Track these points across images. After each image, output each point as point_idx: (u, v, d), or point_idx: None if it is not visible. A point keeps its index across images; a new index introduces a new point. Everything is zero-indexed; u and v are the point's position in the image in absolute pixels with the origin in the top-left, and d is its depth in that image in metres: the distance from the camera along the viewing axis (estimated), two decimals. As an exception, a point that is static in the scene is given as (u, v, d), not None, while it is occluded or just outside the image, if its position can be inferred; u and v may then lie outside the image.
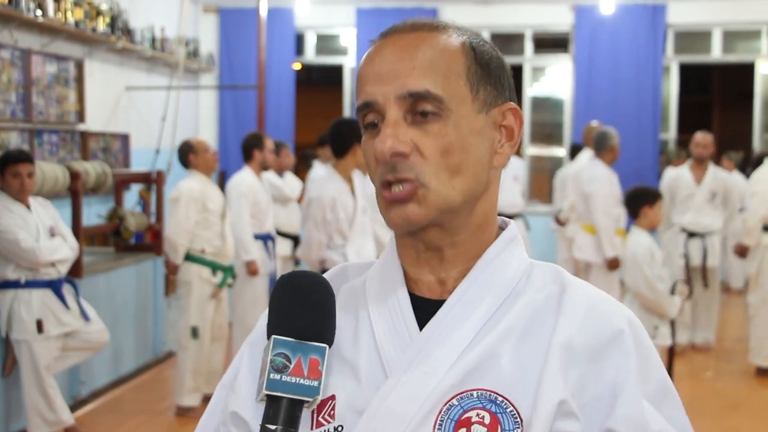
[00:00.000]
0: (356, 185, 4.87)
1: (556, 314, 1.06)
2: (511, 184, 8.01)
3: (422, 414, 1.02)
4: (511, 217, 8.41)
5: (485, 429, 1.00)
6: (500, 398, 1.01)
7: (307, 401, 0.99)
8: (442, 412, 1.02)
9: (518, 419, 1.00)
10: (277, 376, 0.98)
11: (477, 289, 1.09)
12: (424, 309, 1.09)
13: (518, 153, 9.30)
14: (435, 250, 1.10)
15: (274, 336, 1.01)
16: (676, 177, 7.27)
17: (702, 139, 7.07)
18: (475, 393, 1.02)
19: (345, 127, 4.79)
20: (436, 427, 1.01)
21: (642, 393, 1.02)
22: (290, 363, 0.99)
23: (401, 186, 1.05)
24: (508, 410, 1.01)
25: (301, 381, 0.99)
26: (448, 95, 1.05)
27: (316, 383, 0.99)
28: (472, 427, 1.01)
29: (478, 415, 1.01)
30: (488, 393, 1.02)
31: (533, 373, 1.02)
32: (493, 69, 1.10)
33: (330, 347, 1.03)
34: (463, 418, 1.01)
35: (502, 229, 1.16)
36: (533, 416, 1.00)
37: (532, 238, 8.63)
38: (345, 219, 4.75)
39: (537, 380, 1.01)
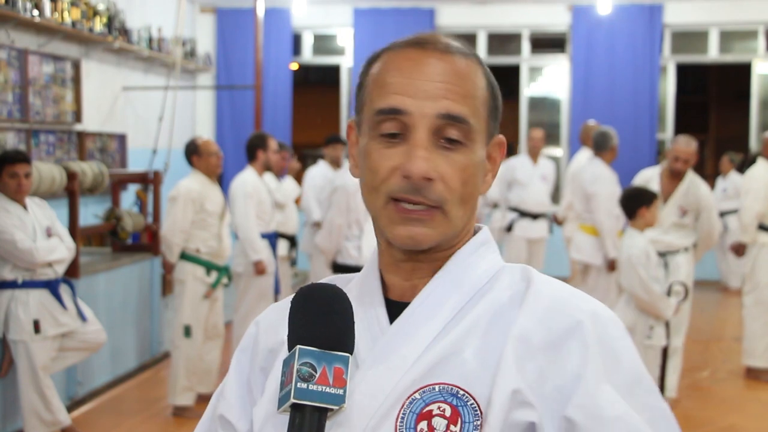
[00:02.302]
0: None
1: (518, 309, 1.08)
2: (540, 184, 7.98)
3: (385, 408, 1.05)
4: (536, 216, 8.07)
5: (446, 421, 1.03)
6: (461, 392, 1.04)
7: (333, 409, 1.01)
8: (405, 406, 1.05)
9: (478, 411, 1.03)
10: (304, 385, 1.01)
11: (444, 289, 1.12)
12: (398, 311, 1.13)
13: (515, 153, 9.29)
14: (414, 261, 1.13)
15: (299, 346, 1.03)
16: (646, 182, 5.72)
17: (685, 151, 5.59)
18: (437, 387, 1.05)
19: None
20: (399, 420, 1.04)
21: (607, 382, 1.02)
22: (316, 372, 1.02)
23: (419, 207, 1.07)
24: (468, 403, 1.03)
25: (327, 389, 1.01)
26: (476, 126, 1.09)
27: (341, 391, 1.02)
28: (433, 420, 1.03)
29: (439, 408, 1.03)
30: (450, 387, 1.04)
31: (493, 366, 1.04)
32: (498, 103, 1.15)
33: (351, 356, 1.05)
34: (424, 411, 1.04)
35: (475, 233, 1.18)
36: (489, 407, 1.02)
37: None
38: (363, 209, 4.94)
39: (495, 373, 1.04)
